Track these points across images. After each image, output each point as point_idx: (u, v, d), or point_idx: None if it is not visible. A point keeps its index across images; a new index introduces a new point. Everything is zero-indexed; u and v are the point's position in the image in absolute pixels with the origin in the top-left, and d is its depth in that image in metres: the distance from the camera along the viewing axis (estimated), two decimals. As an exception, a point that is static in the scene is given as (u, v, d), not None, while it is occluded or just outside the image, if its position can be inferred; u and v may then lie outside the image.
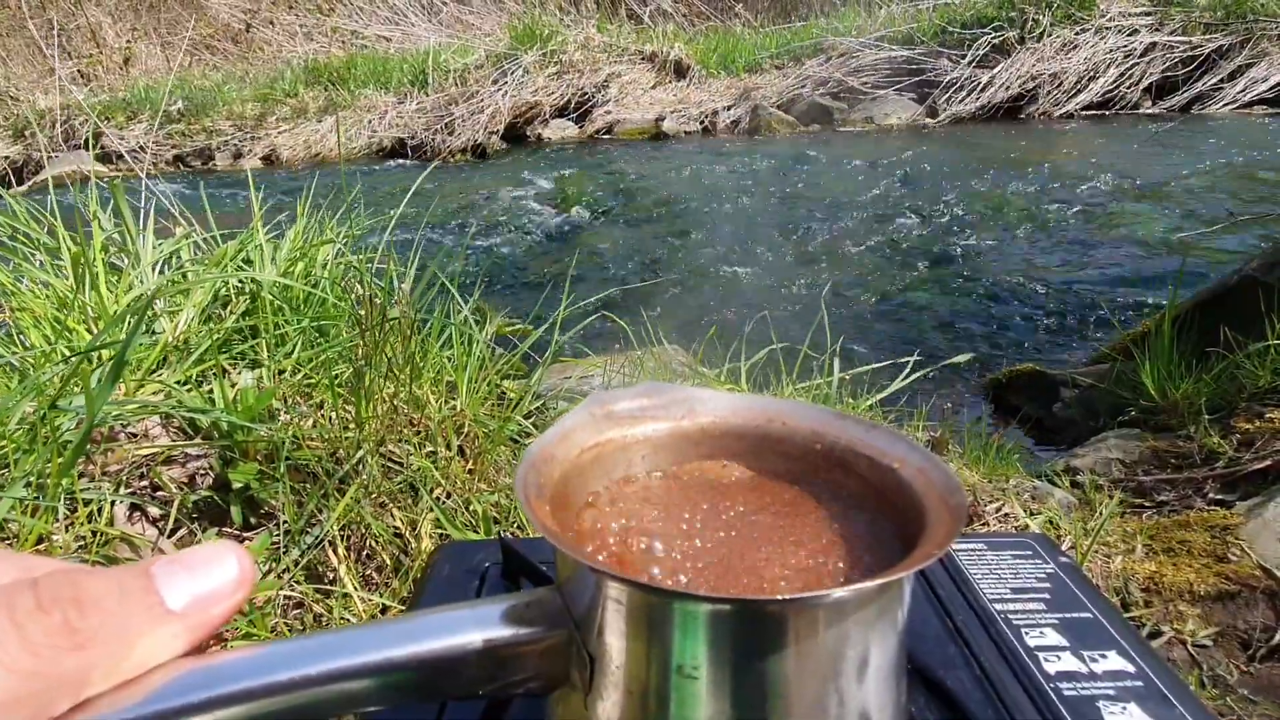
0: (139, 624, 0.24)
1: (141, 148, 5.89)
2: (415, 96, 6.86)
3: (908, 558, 0.30)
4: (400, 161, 6.41)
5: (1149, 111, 6.37)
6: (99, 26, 9.06)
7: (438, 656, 0.29)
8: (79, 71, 8.59)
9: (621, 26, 8.37)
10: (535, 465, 0.34)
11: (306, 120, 6.83)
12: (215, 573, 0.25)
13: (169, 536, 0.89)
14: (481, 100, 6.65)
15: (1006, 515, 1.21)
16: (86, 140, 5.98)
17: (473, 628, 0.30)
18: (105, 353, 0.99)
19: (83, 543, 0.83)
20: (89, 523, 0.84)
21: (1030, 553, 0.55)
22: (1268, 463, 1.37)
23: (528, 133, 6.94)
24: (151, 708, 0.24)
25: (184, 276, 1.27)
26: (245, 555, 0.27)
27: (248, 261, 1.30)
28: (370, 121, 6.76)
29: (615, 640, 0.30)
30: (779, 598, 0.29)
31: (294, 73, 7.46)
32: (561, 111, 7.11)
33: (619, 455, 0.39)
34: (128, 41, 9.08)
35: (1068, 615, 0.47)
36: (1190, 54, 6.35)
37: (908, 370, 1.53)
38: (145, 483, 0.92)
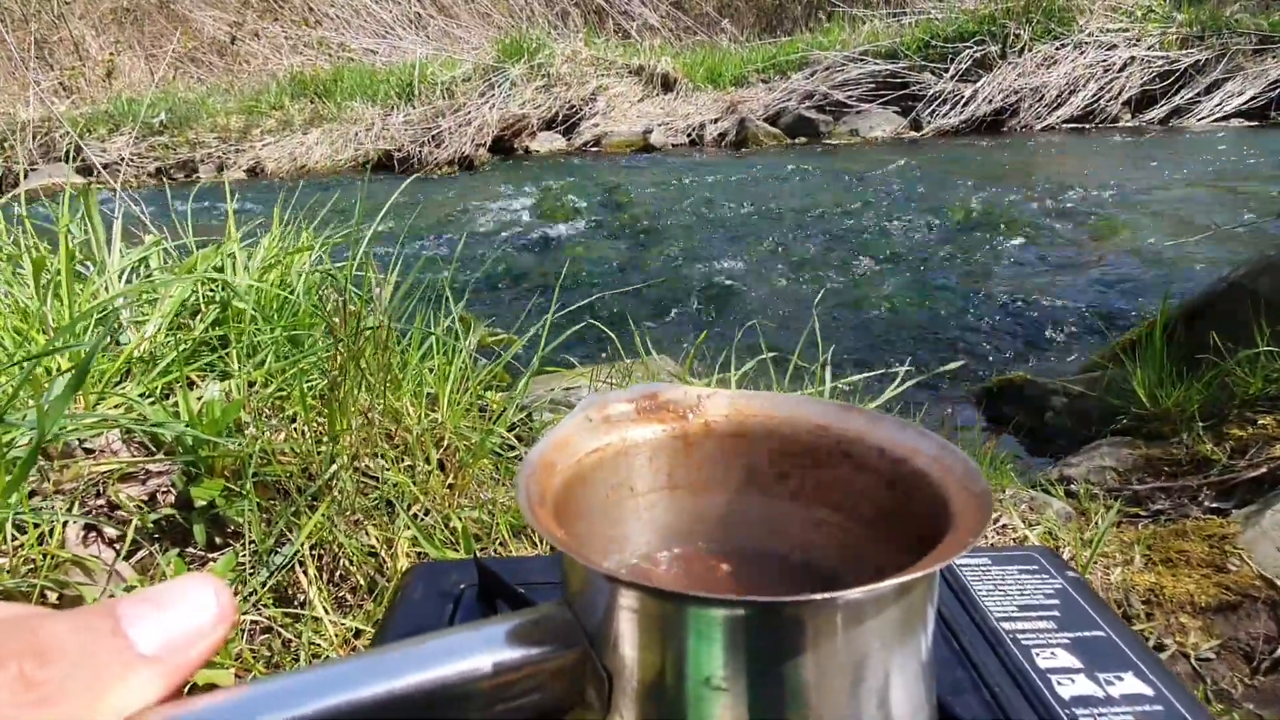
0: (107, 672, 0.20)
1: (122, 160, 5.82)
2: (402, 109, 6.84)
3: (939, 546, 0.28)
4: (388, 174, 6.38)
5: (1128, 124, 6.47)
6: (82, 39, 9.00)
7: (444, 685, 0.27)
8: (61, 84, 8.51)
9: (608, 41, 8.42)
10: (536, 473, 0.32)
11: (292, 132, 6.78)
12: (190, 609, 0.22)
13: (126, 559, 0.84)
14: (469, 113, 6.64)
15: (1005, 526, 1.18)
16: (67, 153, 5.90)
17: (480, 651, 0.27)
18: (65, 363, 0.94)
19: (31, 566, 0.78)
20: (39, 545, 0.79)
21: (1036, 567, 0.52)
22: (1263, 470, 1.35)
23: (515, 145, 6.93)
24: None
25: (152, 283, 1.23)
26: (224, 588, 0.23)
27: (220, 269, 1.26)
28: (356, 134, 6.73)
29: (632, 653, 0.28)
30: (808, 597, 0.26)
31: (279, 85, 7.42)
32: (549, 124, 7.11)
33: (620, 460, 0.38)
34: (111, 54, 9.02)
35: (1079, 634, 0.45)
36: (1168, 68, 6.47)
37: (898, 379, 1.51)
38: (101, 501, 0.87)
